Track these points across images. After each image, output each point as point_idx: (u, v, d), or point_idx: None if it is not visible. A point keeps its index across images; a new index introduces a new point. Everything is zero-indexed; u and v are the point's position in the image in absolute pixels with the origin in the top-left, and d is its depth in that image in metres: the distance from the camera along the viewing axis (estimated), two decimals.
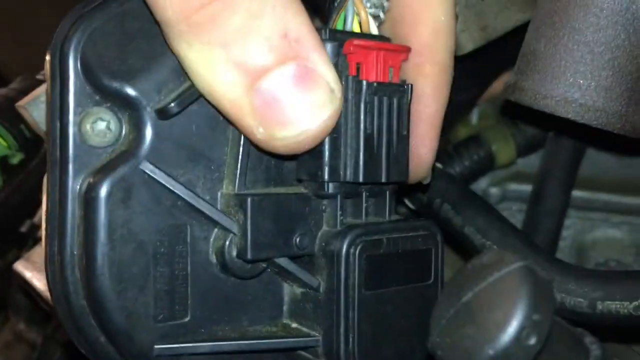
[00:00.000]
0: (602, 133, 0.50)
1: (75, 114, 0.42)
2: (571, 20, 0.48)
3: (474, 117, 0.89)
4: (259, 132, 0.41)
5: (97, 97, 0.43)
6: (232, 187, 0.45)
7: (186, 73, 0.42)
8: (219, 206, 0.45)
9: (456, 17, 0.57)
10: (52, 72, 0.43)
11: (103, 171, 0.42)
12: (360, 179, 0.46)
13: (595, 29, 0.47)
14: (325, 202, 0.47)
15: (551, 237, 0.80)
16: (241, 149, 0.46)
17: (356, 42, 0.45)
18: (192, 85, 0.43)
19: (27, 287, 0.71)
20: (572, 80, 0.48)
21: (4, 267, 1.00)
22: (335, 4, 0.49)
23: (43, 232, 0.44)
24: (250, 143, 0.44)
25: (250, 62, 0.40)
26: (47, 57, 0.44)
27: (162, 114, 0.43)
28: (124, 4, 0.43)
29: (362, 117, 0.46)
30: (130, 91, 0.42)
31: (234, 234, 0.45)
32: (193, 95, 0.43)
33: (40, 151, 0.79)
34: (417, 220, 0.50)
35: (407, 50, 0.48)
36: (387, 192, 0.49)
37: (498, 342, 0.30)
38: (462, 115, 0.85)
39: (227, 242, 0.45)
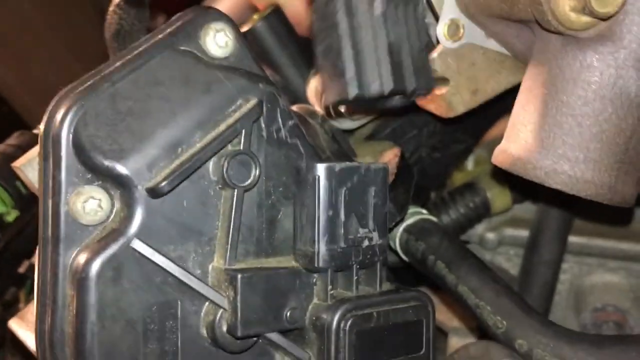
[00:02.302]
0: (591, 202, 0.50)
1: (67, 193, 0.43)
2: (559, 93, 0.48)
3: (470, 163, 0.89)
4: None
5: (89, 176, 0.43)
6: (222, 261, 0.46)
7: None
8: (209, 280, 0.45)
9: (447, 81, 0.58)
10: (44, 152, 0.43)
11: (94, 250, 0.42)
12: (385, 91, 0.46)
13: (583, 102, 0.47)
14: (315, 275, 0.47)
15: (548, 287, 0.80)
16: (232, 222, 0.46)
17: None
18: (183, 163, 0.44)
19: None
20: (561, 152, 0.48)
21: (1, 308, 1.00)
22: None
23: (34, 308, 0.45)
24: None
25: None
26: (39, 133, 0.44)
27: (153, 192, 0.43)
28: (116, 84, 0.44)
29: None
30: (122, 170, 0.43)
31: (225, 309, 0.45)
32: (184, 174, 0.44)
33: (35, 207, 0.79)
34: (407, 291, 0.50)
35: None
36: (378, 264, 0.49)
37: None
38: (457, 165, 0.85)
39: (218, 317, 0.45)
